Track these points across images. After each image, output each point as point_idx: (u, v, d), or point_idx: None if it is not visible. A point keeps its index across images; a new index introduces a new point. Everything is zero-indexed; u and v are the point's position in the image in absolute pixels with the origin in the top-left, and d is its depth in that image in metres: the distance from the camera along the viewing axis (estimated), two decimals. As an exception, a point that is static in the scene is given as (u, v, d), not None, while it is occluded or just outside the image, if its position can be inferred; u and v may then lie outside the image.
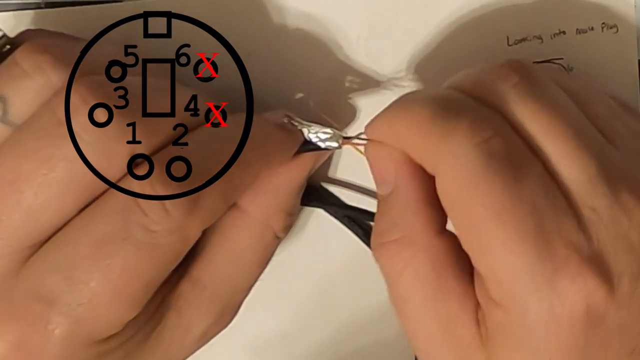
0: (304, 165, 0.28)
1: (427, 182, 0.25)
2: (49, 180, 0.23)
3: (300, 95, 0.31)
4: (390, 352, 0.34)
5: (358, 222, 0.32)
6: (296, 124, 0.28)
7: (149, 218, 0.23)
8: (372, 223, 0.32)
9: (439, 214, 0.25)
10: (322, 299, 0.33)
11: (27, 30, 0.26)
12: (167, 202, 0.23)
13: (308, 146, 0.28)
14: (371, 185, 0.32)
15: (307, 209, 0.32)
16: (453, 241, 0.25)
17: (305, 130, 0.28)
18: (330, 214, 0.32)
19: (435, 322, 0.24)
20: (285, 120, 0.28)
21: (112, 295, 0.23)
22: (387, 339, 0.34)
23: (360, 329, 0.34)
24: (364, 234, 0.32)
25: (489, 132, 0.23)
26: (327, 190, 0.32)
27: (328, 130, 0.28)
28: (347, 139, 0.28)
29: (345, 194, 0.32)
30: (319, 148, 0.28)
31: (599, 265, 0.22)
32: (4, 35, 0.25)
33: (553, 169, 0.23)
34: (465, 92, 0.25)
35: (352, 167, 0.32)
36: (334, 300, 0.33)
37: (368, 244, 0.32)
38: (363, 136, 0.27)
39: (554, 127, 0.23)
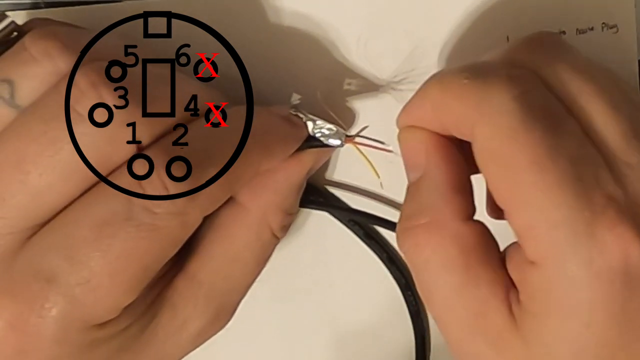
0: (304, 163, 0.28)
1: (458, 167, 0.25)
2: (55, 162, 0.23)
3: (300, 95, 0.31)
4: (391, 353, 0.34)
5: (360, 224, 0.32)
6: (302, 116, 0.28)
7: (152, 200, 0.23)
8: (375, 226, 0.32)
9: (468, 202, 0.25)
10: (323, 299, 0.33)
11: (35, 19, 0.26)
12: (169, 185, 0.23)
13: (311, 142, 0.28)
14: (372, 188, 0.32)
15: (309, 209, 0.32)
16: (481, 229, 0.25)
17: (310, 124, 0.28)
18: (336, 217, 0.32)
19: (465, 309, 0.24)
20: (292, 112, 0.28)
21: (110, 277, 0.24)
22: (387, 339, 0.34)
23: (360, 330, 0.34)
24: (365, 234, 0.32)
25: (527, 85, 0.23)
26: (331, 194, 0.32)
27: (332, 126, 0.28)
28: (351, 137, 0.28)
29: (348, 196, 0.32)
30: (321, 145, 0.28)
31: (635, 217, 0.22)
32: (12, 22, 0.25)
33: (587, 127, 0.23)
34: (497, 60, 0.25)
35: (353, 170, 0.32)
36: (334, 301, 0.33)
37: (369, 244, 0.32)
38: (366, 137, 0.28)
39: (587, 87, 0.24)
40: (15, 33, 0.25)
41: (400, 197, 0.32)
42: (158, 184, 0.23)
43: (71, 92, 0.23)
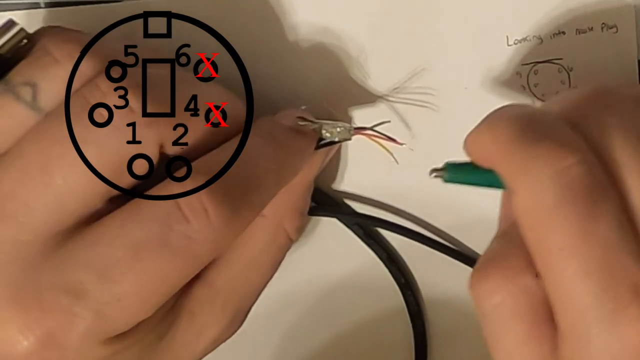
0: (315, 164, 0.29)
1: None
2: (79, 164, 0.23)
3: (300, 95, 0.31)
4: (391, 353, 0.34)
5: (367, 230, 0.32)
6: (309, 124, 0.28)
7: (191, 226, 0.24)
8: (379, 229, 0.32)
9: None
10: (322, 299, 0.33)
11: (43, 28, 0.26)
12: (210, 211, 0.24)
13: (319, 143, 0.28)
14: (377, 196, 0.32)
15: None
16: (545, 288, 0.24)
17: (318, 129, 0.28)
18: (341, 221, 0.32)
19: None
20: (300, 123, 0.28)
21: (139, 296, 0.24)
22: (387, 339, 0.34)
23: (360, 330, 0.34)
24: (365, 234, 0.32)
25: (572, 159, 0.22)
26: (337, 198, 0.32)
27: (339, 125, 0.28)
28: (358, 128, 0.28)
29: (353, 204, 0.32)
30: (330, 143, 0.28)
31: None
32: (22, 30, 0.25)
33: (629, 205, 0.22)
34: (553, 113, 0.24)
35: (359, 179, 0.32)
36: (339, 306, 0.33)
37: (369, 244, 0.32)
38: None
39: (633, 162, 0.23)
40: (24, 41, 0.25)
41: (400, 204, 0.32)
42: (198, 207, 0.23)
43: (92, 93, 0.23)
